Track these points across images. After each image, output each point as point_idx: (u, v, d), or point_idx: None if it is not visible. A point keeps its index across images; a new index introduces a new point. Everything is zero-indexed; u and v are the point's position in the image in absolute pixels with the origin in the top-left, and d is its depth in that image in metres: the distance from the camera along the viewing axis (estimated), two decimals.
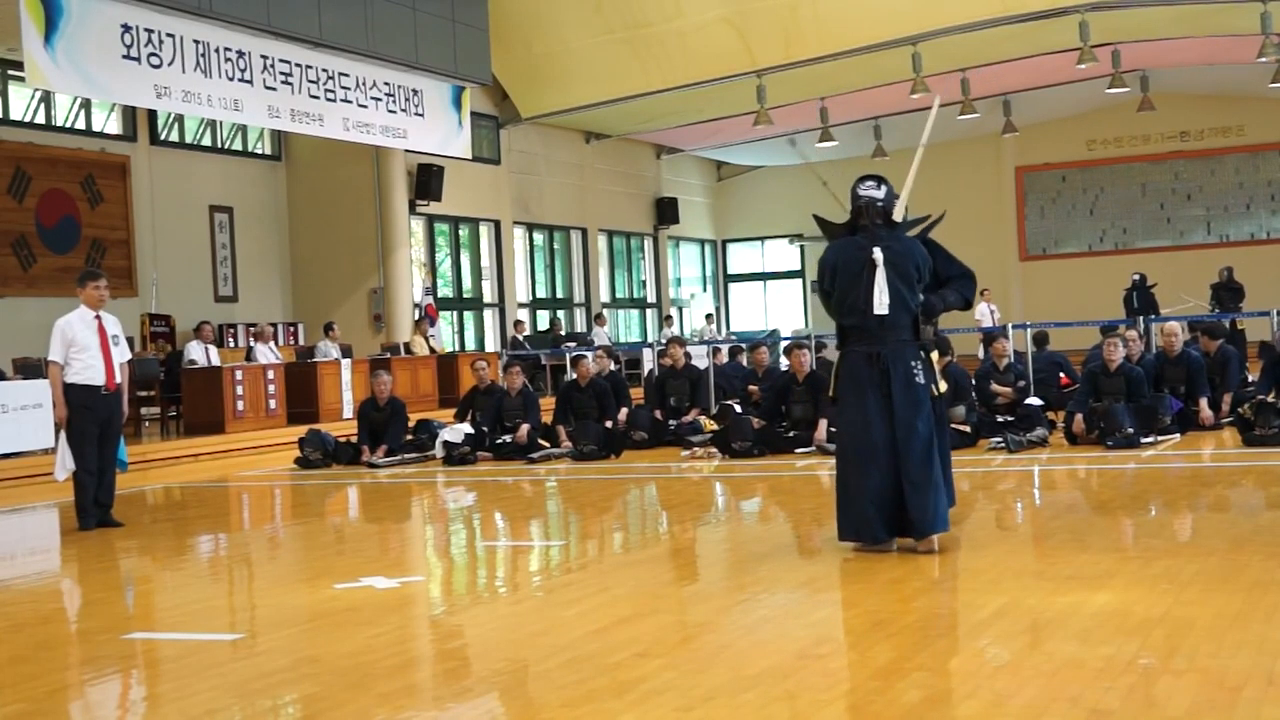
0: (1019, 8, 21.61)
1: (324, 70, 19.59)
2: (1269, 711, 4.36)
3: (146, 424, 20.25)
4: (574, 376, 16.27)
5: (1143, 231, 31.30)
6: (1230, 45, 23.58)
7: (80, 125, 21.59)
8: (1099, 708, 4.61)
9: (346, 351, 21.62)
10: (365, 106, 20.42)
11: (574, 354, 19.04)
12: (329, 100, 19.71)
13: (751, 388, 17.21)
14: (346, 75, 20.02)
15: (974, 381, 14.80)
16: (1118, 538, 8.26)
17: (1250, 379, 15.27)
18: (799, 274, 35.52)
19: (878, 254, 7.55)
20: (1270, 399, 13.14)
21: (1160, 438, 13.27)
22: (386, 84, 20.84)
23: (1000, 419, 14.05)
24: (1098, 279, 30.23)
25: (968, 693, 4.85)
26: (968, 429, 13.56)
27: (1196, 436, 13.65)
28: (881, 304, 7.52)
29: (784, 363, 17.32)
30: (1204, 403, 14.06)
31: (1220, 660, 5.03)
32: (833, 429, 13.57)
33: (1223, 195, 31.15)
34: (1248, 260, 30.10)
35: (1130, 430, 12.84)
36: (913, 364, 7.60)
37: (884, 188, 7.78)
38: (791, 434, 14.11)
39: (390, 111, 20.94)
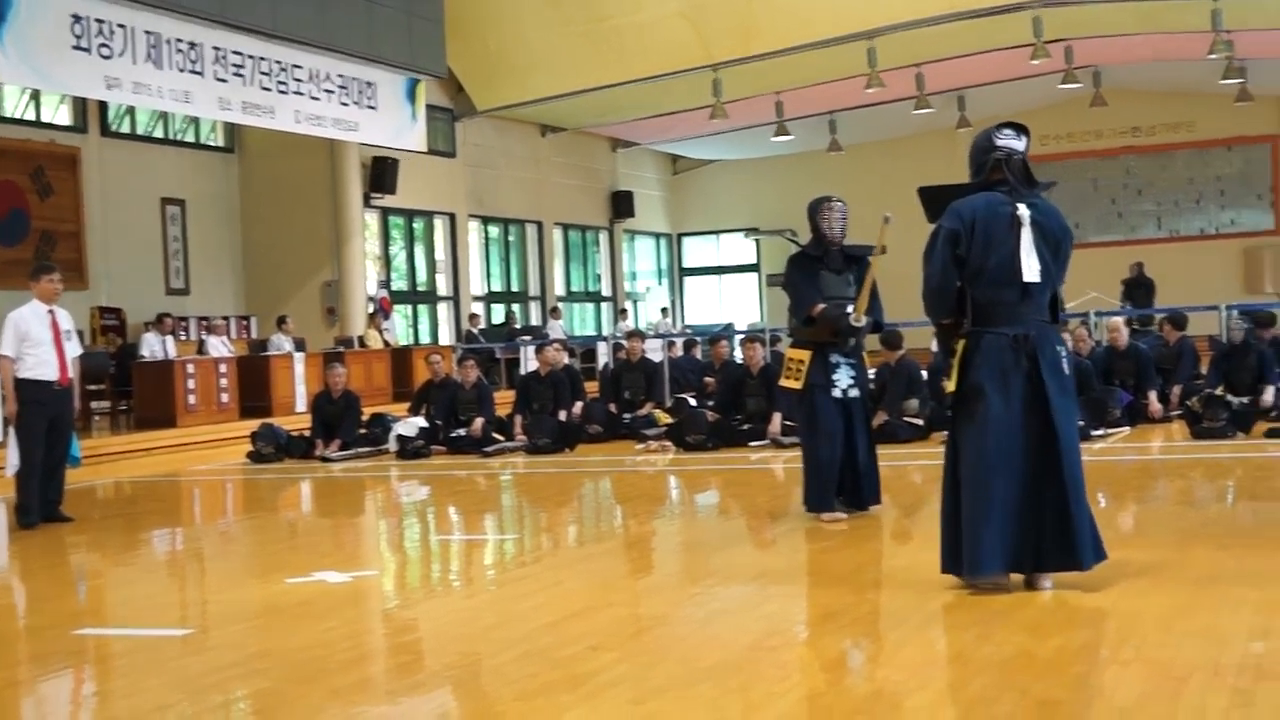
0: (973, 3, 21.71)
1: (276, 62, 19.45)
2: (1214, 701, 4.41)
3: (97, 418, 20.07)
4: (534, 368, 16.25)
5: (1095, 226, 31.51)
6: (1181, 42, 23.76)
7: (30, 116, 21.36)
8: (1048, 698, 4.65)
9: (300, 345, 21.51)
10: (318, 99, 20.30)
11: (536, 343, 19.01)
12: (281, 92, 19.58)
13: (707, 379, 17.24)
14: (299, 67, 19.90)
15: (926, 376, 14.87)
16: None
17: (1200, 372, 15.43)
18: (754, 268, 35.58)
19: (1024, 212, 6.22)
20: (1219, 392, 13.29)
21: (1110, 430, 13.38)
22: (340, 76, 20.72)
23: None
24: None
25: (919, 684, 4.88)
26: (920, 422, 13.64)
27: (1146, 429, 13.77)
28: (1032, 270, 6.17)
29: (737, 355, 17.35)
30: (1153, 396, 14.20)
31: (1167, 651, 5.08)
32: (788, 422, 13.67)
33: (1173, 190, 31.43)
34: (1196, 256, 30.41)
35: (1080, 423, 12.90)
36: (1060, 349, 6.33)
37: (1025, 139, 6.45)
38: (746, 427, 14.15)
39: (343, 104, 20.83)
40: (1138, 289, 26.23)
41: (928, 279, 6.35)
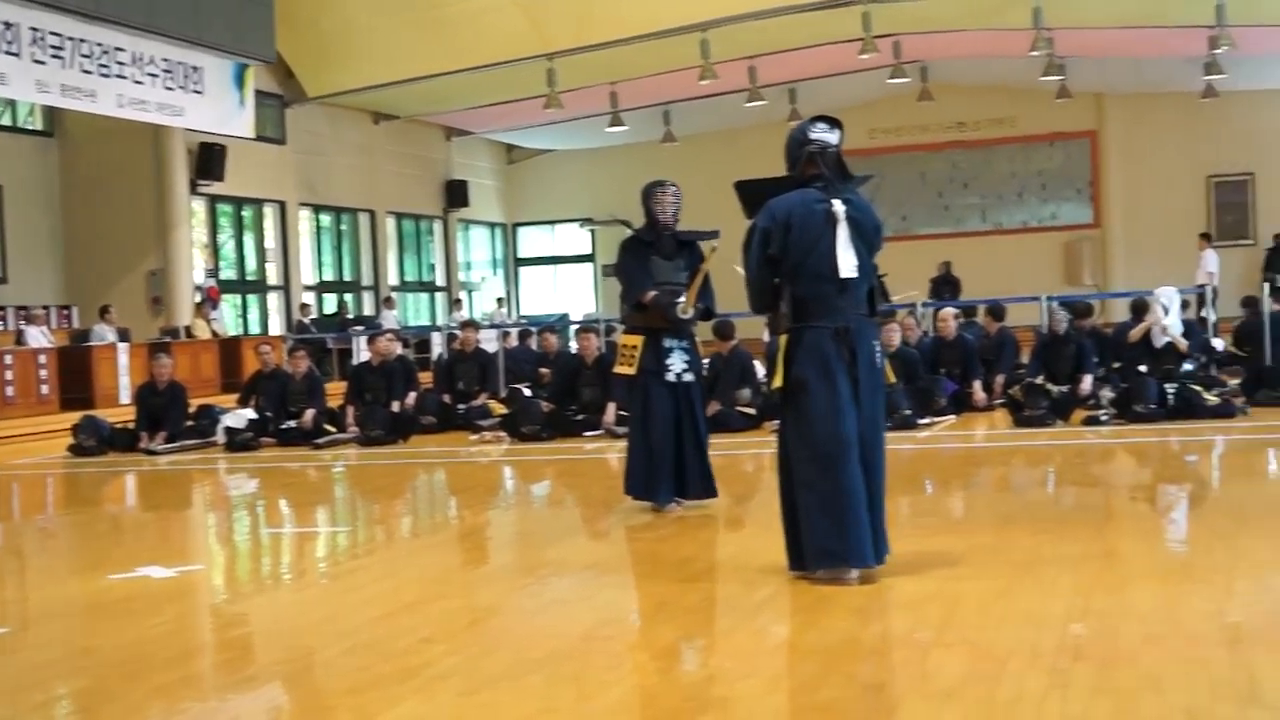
0: None
1: (98, 44, 18.92)
2: (1033, 681, 4.55)
3: None
4: (366, 358, 16.07)
5: (922, 218, 32.16)
6: (1004, 39, 24.37)
7: None
8: (873, 682, 4.76)
9: (124, 335, 20.98)
10: (141, 83, 19.79)
11: (368, 333, 18.79)
12: (103, 75, 19.06)
13: (542, 370, 17.24)
14: (122, 50, 19.37)
15: (757, 365, 15.06)
16: (893, 516, 8.46)
17: (1022, 362, 15.86)
18: (590, 258, 35.61)
19: (839, 208, 6.28)
20: (1039, 381, 13.69)
21: (936, 419, 13.69)
22: (165, 60, 20.23)
23: None
24: (879, 264, 30.99)
25: (748, 671, 4.95)
26: (753, 411, 13.80)
27: (970, 417, 14.12)
28: (849, 266, 6.25)
29: (574, 345, 17.37)
30: (977, 385, 14.56)
31: (988, 633, 5.22)
32: (623, 412, 13.72)
33: (996, 184, 32.20)
34: (1019, 248, 31.24)
35: (907, 411, 13.22)
36: (875, 344, 6.43)
37: (838, 132, 6.46)
38: (580, 417, 14.18)
39: (168, 88, 20.34)
40: (945, 286, 26.99)
41: (746, 275, 6.46)
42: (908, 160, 32.16)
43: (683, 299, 8.47)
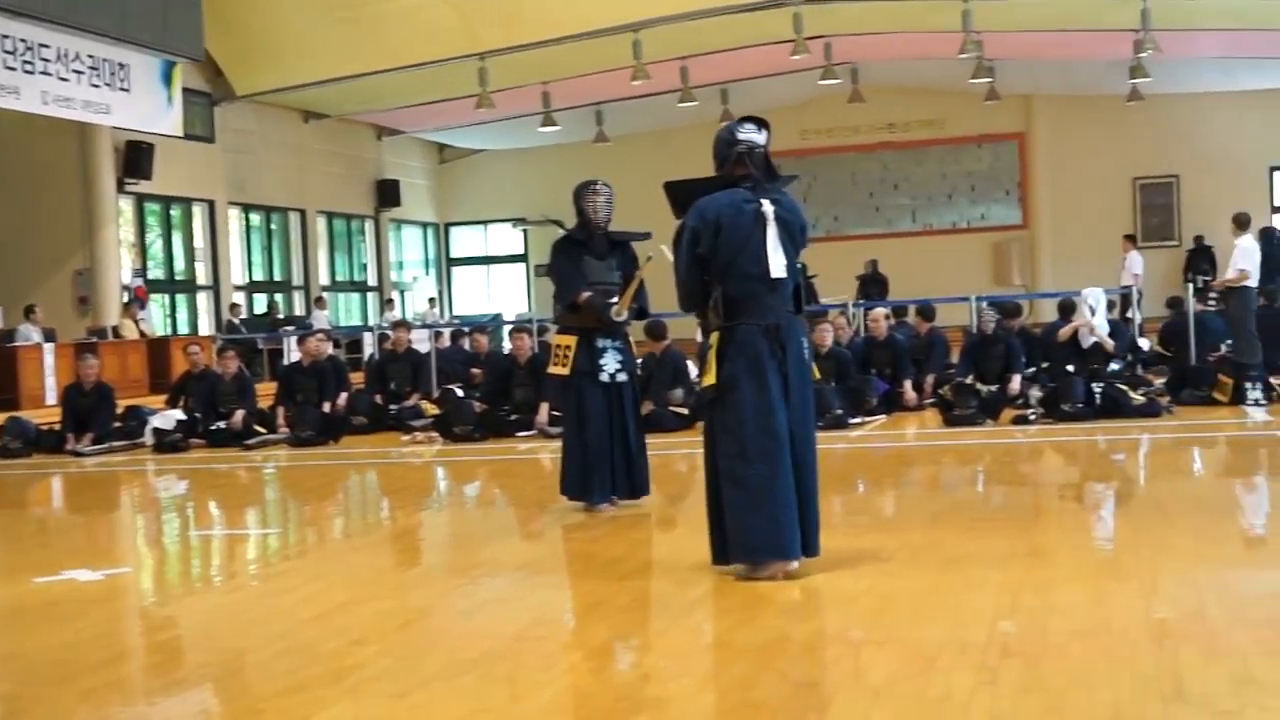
0: None
1: (22, 40, 18.63)
2: (961, 678, 4.59)
3: None
4: (296, 358, 15.95)
5: (853, 219, 32.33)
6: (934, 42, 24.54)
7: None
8: (805, 680, 4.78)
9: (49, 335, 20.69)
10: (67, 80, 19.52)
11: (299, 333, 18.65)
12: (27, 72, 18.77)
13: (475, 370, 17.18)
14: (47, 46, 19.09)
15: (690, 365, 15.10)
16: (826, 515, 8.50)
17: (952, 362, 16.00)
18: (522, 258, 35.52)
19: (768, 208, 6.36)
20: (969, 381, 13.82)
21: (867, 418, 13.79)
22: (90, 57, 19.97)
23: None
24: (811, 265, 31.13)
25: (681, 670, 4.96)
26: (686, 411, 13.83)
27: (901, 417, 14.22)
28: (779, 265, 6.33)
29: (506, 345, 17.34)
30: (908, 385, 14.67)
31: (918, 631, 5.26)
32: (555, 412, 13.71)
33: (927, 185, 32.42)
34: (949, 248, 31.49)
35: (839, 411, 13.30)
36: (803, 340, 6.48)
37: (765, 132, 6.55)
38: (513, 417, 14.15)
39: (94, 85, 20.07)
40: (873, 285, 27.19)
41: (675, 275, 6.49)
42: (839, 161, 32.33)
43: (616, 301, 8.47)
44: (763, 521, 6.15)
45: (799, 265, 6.56)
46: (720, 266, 6.33)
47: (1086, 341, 13.62)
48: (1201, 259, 28.29)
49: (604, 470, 8.52)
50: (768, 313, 6.33)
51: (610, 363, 8.57)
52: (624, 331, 8.68)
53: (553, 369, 8.79)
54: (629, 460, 8.61)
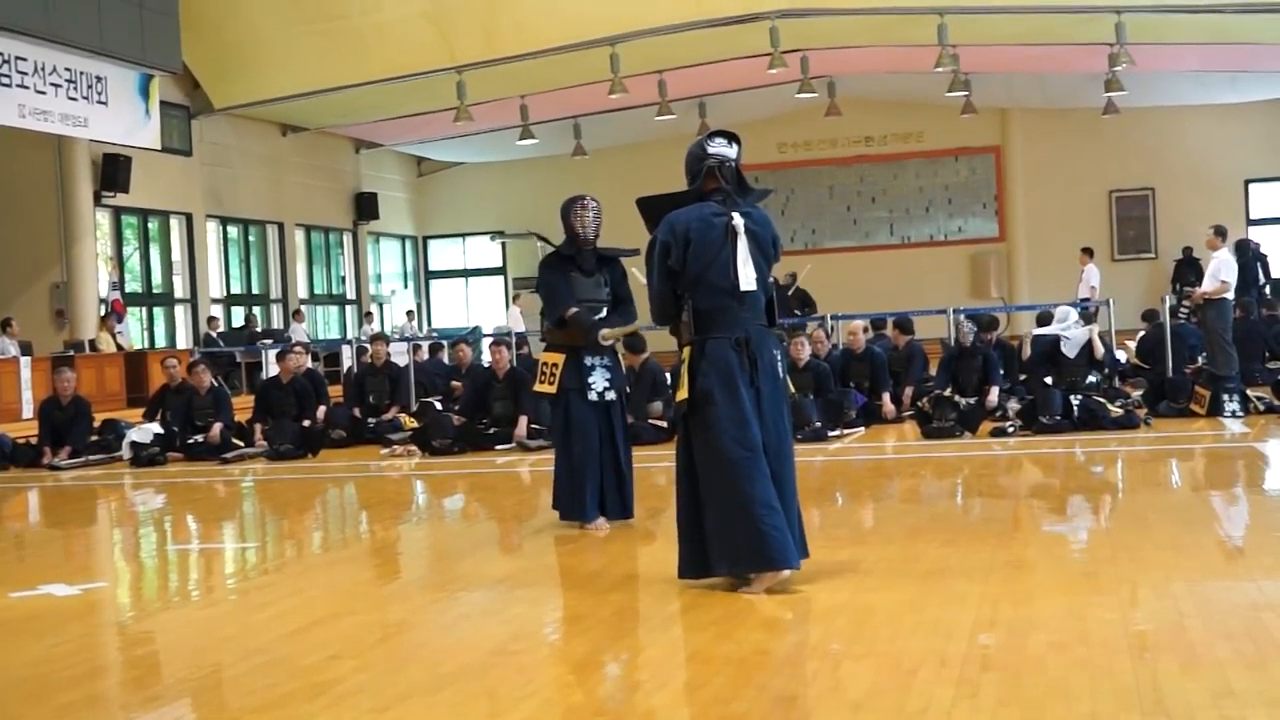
0: (713, 12, 22.10)
1: None
2: (941, 691, 4.60)
3: None
4: (275, 373, 15.91)
5: (831, 232, 32.41)
6: (911, 55, 24.61)
7: None
8: (784, 694, 4.78)
9: (26, 349, 20.61)
10: (44, 93, 19.46)
11: (278, 349, 18.59)
12: (3, 85, 18.69)
13: (454, 383, 17.16)
14: (23, 59, 19.03)
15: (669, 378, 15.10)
16: (805, 529, 8.56)
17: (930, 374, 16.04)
18: (501, 271, 35.53)
19: (738, 220, 6.39)
20: (947, 393, 13.85)
21: (846, 431, 13.81)
22: (67, 70, 19.91)
23: None
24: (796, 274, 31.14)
25: (660, 683, 4.96)
26: (665, 424, 13.81)
27: (880, 429, 14.25)
28: (748, 279, 6.36)
29: (486, 359, 17.32)
30: (886, 397, 14.71)
31: (898, 644, 5.27)
32: (534, 425, 13.71)
33: (904, 198, 32.52)
34: (927, 261, 31.58)
35: (818, 424, 13.32)
36: (776, 354, 6.52)
37: (736, 147, 6.59)
38: (492, 431, 14.14)
39: (71, 99, 20.01)
40: (794, 301, 26.79)
41: (649, 288, 6.55)
42: (816, 174, 32.41)
43: (603, 319, 8.43)
44: (747, 534, 6.15)
45: (791, 275, 6.62)
46: (690, 280, 6.38)
47: (1072, 352, 13.77)
48: (1189, 271, 28.39)
49: (593, 489, 8.40)
50: (738, 326, 6.36)
51: (599, 380, 8.47)
52: (612, 348, 8.64)
53: (539, 388, 8.65)
54: (619, 479, 8.52)
